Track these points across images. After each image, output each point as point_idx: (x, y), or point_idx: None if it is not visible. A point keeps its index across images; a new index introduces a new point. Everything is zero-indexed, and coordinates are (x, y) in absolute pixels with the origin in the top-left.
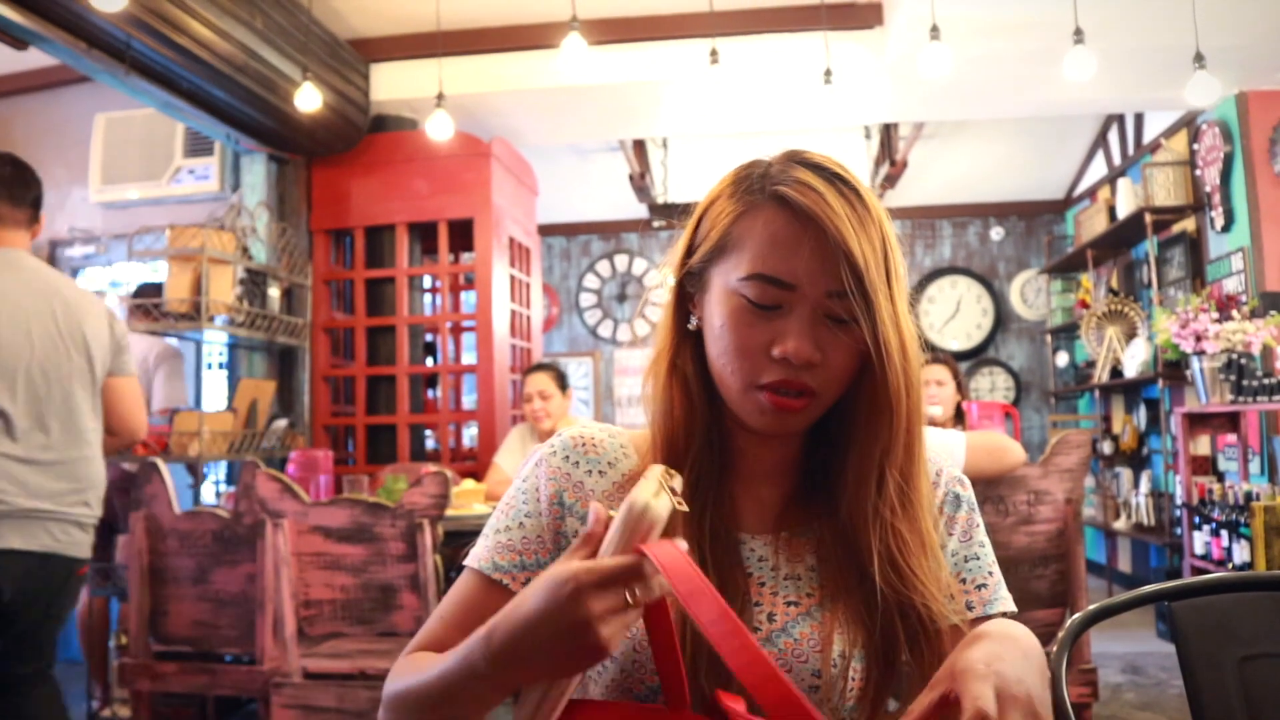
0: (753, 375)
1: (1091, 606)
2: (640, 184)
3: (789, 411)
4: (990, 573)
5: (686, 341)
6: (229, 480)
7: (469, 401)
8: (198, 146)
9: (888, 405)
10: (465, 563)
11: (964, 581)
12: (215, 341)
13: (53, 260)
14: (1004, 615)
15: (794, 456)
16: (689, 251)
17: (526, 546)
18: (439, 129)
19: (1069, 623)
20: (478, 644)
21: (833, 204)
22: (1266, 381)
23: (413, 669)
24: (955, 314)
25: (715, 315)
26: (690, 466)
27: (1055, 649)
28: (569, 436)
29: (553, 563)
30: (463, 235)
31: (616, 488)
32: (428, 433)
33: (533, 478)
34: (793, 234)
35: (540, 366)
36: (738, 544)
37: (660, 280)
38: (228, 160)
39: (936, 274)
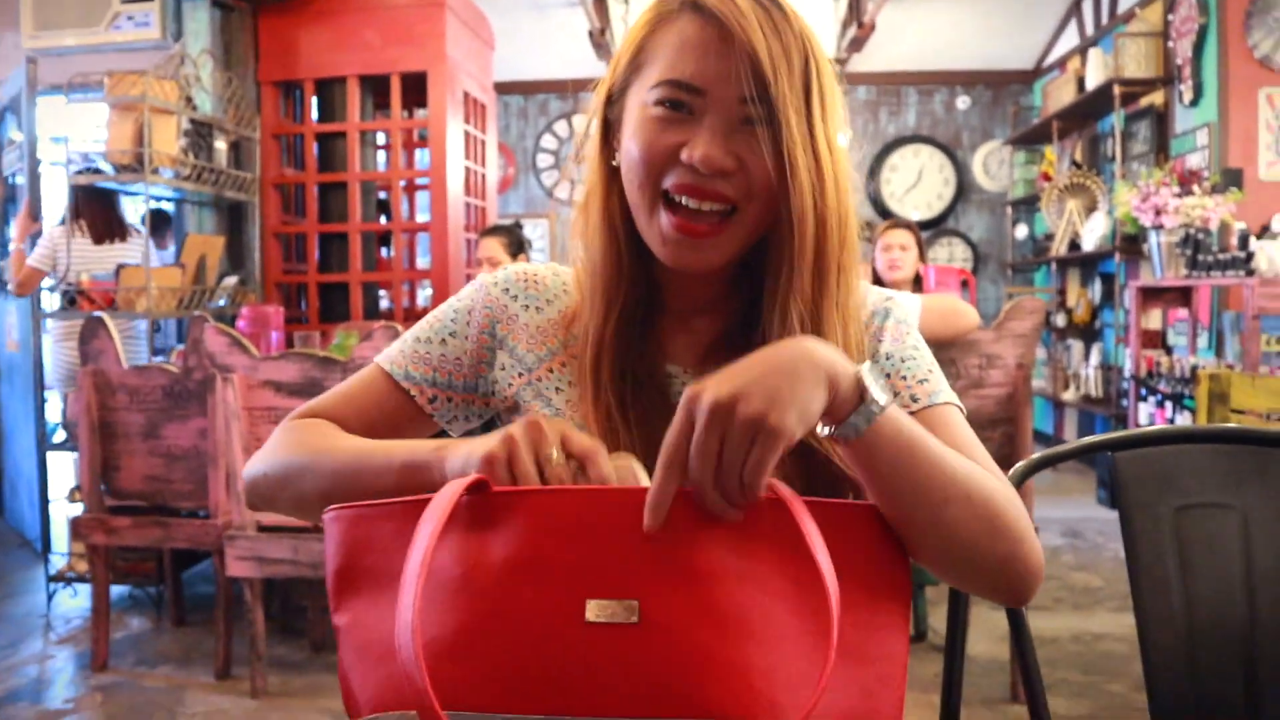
0: (658, 181)
1: (1034, 455)
2: (600, 40)
3: (696, 237)
4: (931, 369)
5: (615, 180)
6: (180, 339)
7: (423, 261)
8: None
9: (790, 229)
10: (377, 360)
11: (904, 379)
12: (161, 196)
13: None
14: (951, 405)
15: (724, 292)
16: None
17: (443, 364)
18: None
19: (1013, 469)
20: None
21: (743, 8)
22: (1221, 257)
23: (328, 434)
24: (917, 183)
25: (629, 138)
26: (619, 305)
27: None
28: (514, 270)
29: (465, 388)
30: (416, 90)
31: (551, 324)
32: (381, 292)
33: (469, 300)
34: (703, 39)
35: (492, 230)
36: (666, 377)
37: (587, 125)
38: (169, 6)
39: (900, 142)
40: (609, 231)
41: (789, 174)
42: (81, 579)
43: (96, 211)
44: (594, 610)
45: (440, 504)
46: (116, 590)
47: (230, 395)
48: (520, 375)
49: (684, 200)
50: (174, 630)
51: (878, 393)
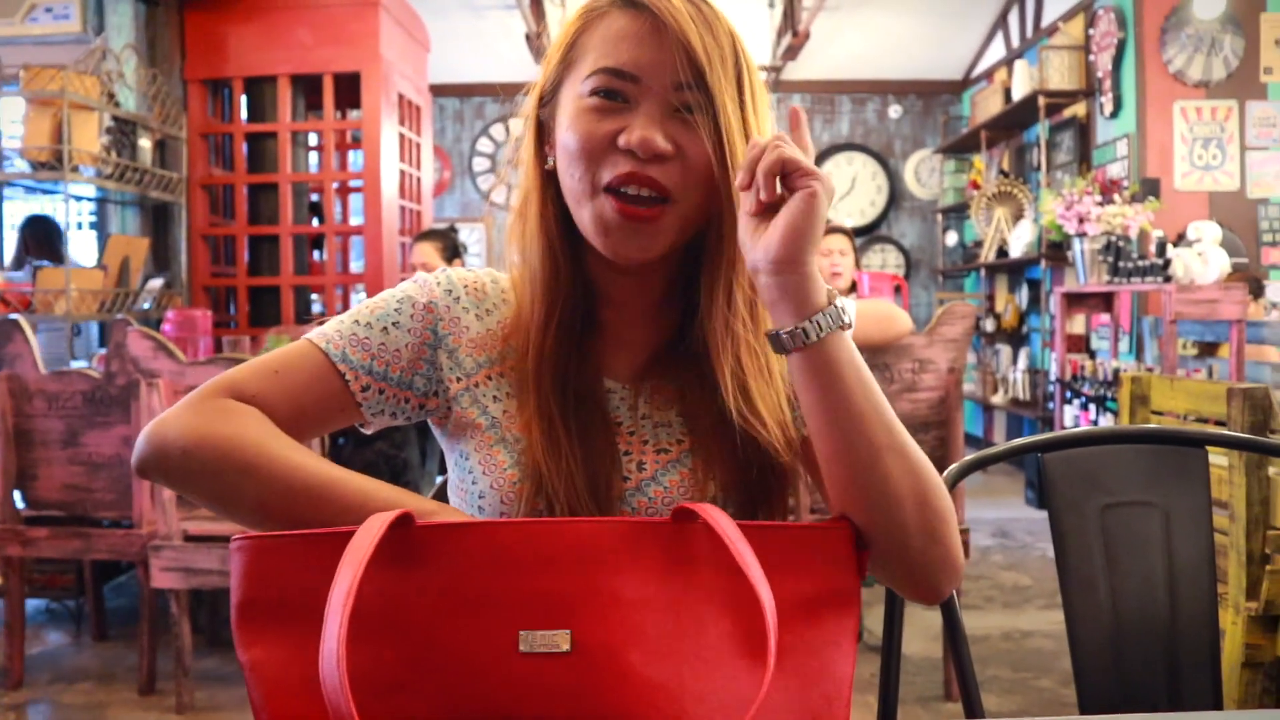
0: (597, 172)
1: (968, 457)
2: (538, 44)
3: (638, 220)
4: None
5: (549, 183)
6: (101, 343)
7: (356, 265)
8: None
9: (731, 213)
10: (310, 337)
11: None
12: (82, 196)
13: None
14: None
15: (661, 296)
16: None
17: (381, 353)
18: None
19: (946, 471)
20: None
21: (674, 2)
22: (1140, 263)
23: (273, 434)
24: (850, 190)
25: (564, 131)
26: (558, 312)
27: None
28: (455, 275)
29: (400, 383)
30: (350, 90)
31: (490, 333)
32: (314, 295)
33: (412, 292)
34: (636, 29)
35: (427, 235)
36: (604, 393)
37: (520, 129)
38: None
39: (834, 150)
40: (545, 237)
41: (729, 161)
42: None
43: (42, 243)
44: (526, 641)
45: (366, 537)
46: (33, 604)
47: (155, 401)
48: (458, 380)
49: (624, 189)
50: (95, 645)
51: (845, 307)
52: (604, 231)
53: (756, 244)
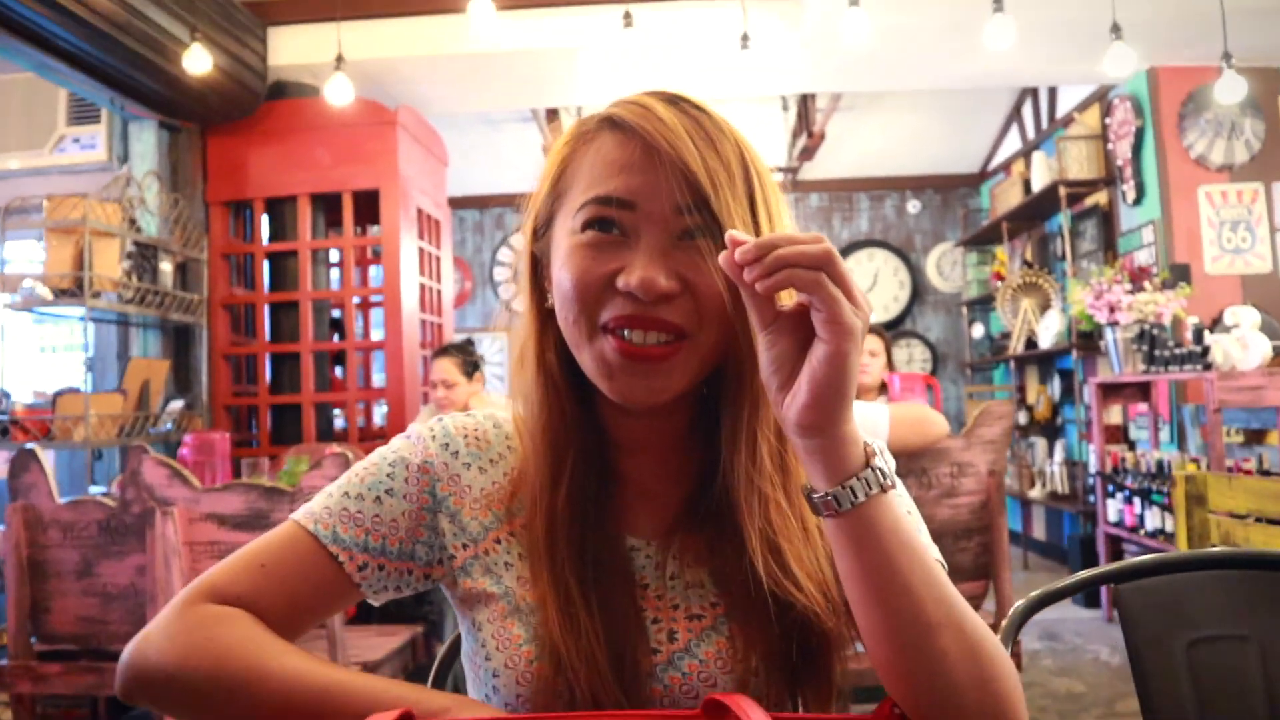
0: (595, 314)
1: (1034, 593)
2: None
3: (643, 361)
4: (909, 511)
5: (550, 324)
6: (122, 468)
7: (378, 379)
8: (83, 113)
9: (749, 353)
10: (296, 518)
11: None
12: (104, 320)
13: None
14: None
15: (683, 438)
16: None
17: (376, 526)
18: (338, 94)
19: (1012, 611)
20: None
21: (668, 121)
22: (1176, 351)
23: (258, 640)
24: (873, 286)
25: (558, 270)
26: (569, 467)
27: (999, 637)
28: (453, 426)
29: (400, 554)
30: (369, 207)
31: (496, 487)
32: (336, 411)
33: (405, 453)
34: (625, 152)
35: (445, 351)
36: (627, 552)
37: (513, 262)
38: (116, 129)
39: (854, 246)
40: (548, 381)
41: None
42: None
43: None
44: None
45: None
46: None
47: (170, 530)
48: (465, 547)
49: (627, 334)
50: None
51: (886, 463)
52: (608, 375)
53: (782, 397)
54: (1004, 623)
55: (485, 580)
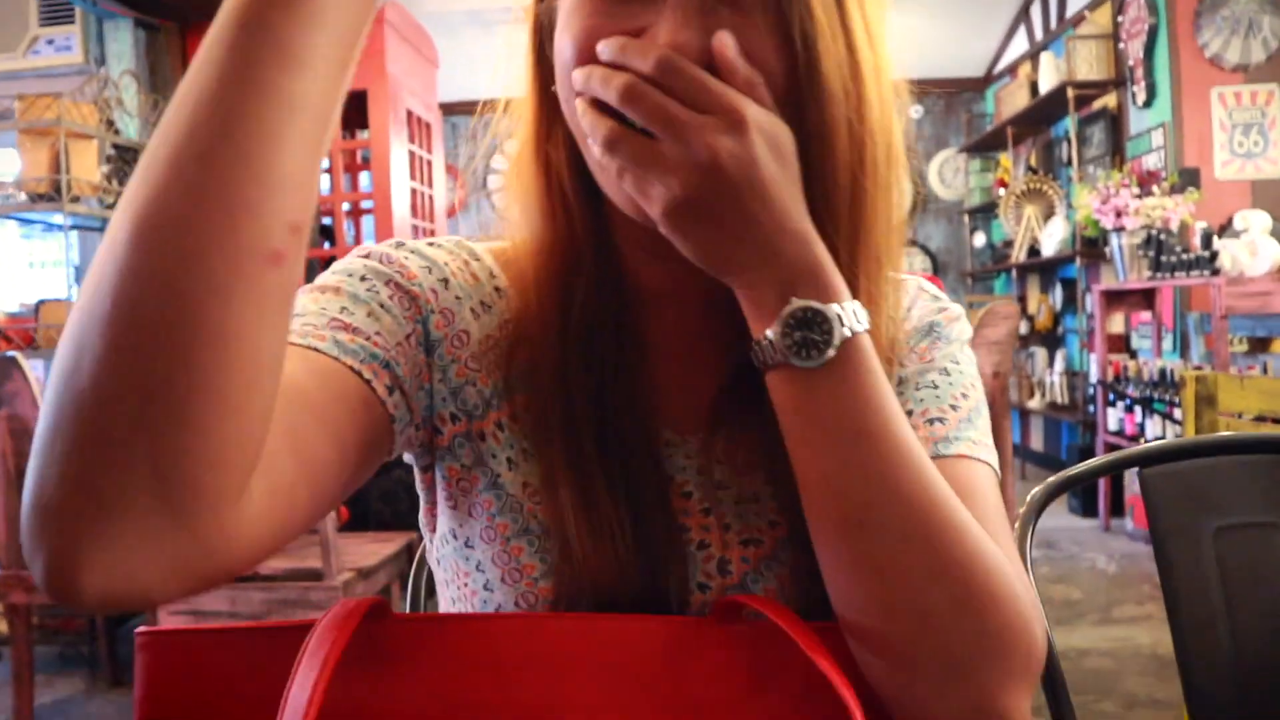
0: None
1: (1051, 478)
2: None
3: None
4: (953, 406)
5: (556, 115)
6: None
7: None
8: (56, 13)
9: (819, 154)
10: (290, 340)
11: (910, 414)
12: (85, 227)
13: None
14: (967, 459)
15: (729, 294)
16: None
17: (383, 341)
18: None
19: (1031, 496)
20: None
21: None
22: (1184, 257)
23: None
24: None
25: (560, 33)
26: (578, 305)
27: (1019, 525)
28: (427, 249)
29: (416, 387)
30: (357, 110)
31: (493, 342)
32: None
33: (378, 269)
34: None
35: None
36: (660, 451)
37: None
38: (91, 29)
39: None
40: (552, 187)
41: (808, 70)
42: (2, 641)
43: None
44: None
45: (328, 632)
46: (44, 650)
47: None
48: (455, 419)
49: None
50: (108, 692)
51: (853, 308)
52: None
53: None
54: (1023, 509)
55: (479, 476)
